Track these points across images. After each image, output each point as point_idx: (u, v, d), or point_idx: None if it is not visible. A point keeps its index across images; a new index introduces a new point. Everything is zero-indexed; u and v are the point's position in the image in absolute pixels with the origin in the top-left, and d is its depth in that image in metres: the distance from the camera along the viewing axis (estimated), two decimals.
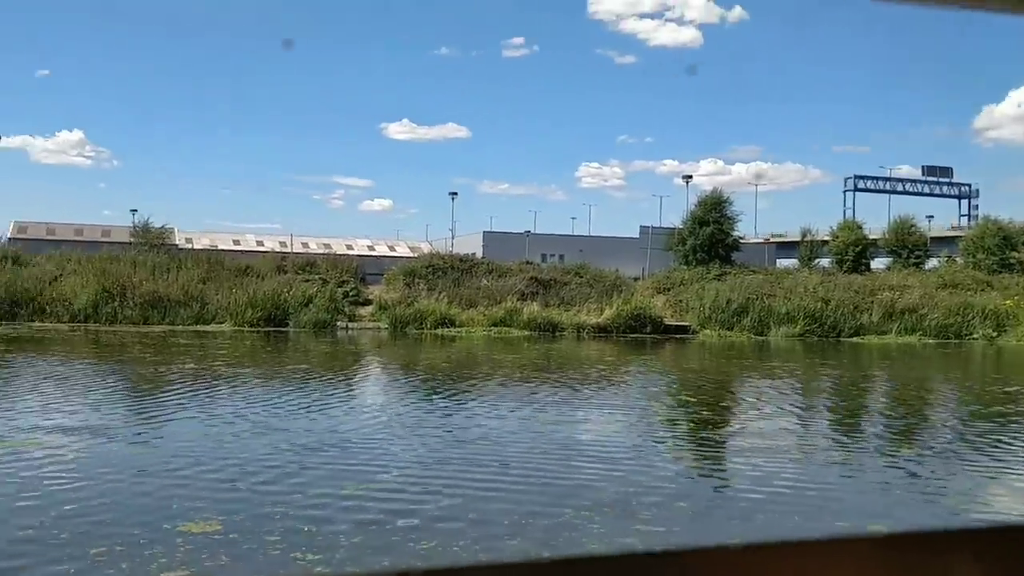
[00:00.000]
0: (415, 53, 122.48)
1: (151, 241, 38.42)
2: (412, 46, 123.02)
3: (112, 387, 15.18)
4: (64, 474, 8.01)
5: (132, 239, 39.92)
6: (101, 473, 8.16)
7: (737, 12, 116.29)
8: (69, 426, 10.47)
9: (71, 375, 16.37)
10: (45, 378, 15.63)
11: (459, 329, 30.97)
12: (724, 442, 11.51)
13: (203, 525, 6.43)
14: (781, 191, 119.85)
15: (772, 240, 72.74)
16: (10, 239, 43.97)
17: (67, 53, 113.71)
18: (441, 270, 35.52)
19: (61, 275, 31.03)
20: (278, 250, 44.54)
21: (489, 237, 65.54)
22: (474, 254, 43.90)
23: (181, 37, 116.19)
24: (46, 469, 8.19)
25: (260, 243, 55.30)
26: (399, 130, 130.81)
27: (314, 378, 17.21)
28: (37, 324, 28.09)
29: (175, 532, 6.25)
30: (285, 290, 31.45)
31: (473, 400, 14.49)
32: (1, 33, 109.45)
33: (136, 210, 47.49)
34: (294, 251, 44.00)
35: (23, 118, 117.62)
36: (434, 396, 15.11)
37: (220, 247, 46.91)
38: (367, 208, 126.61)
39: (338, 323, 31.19)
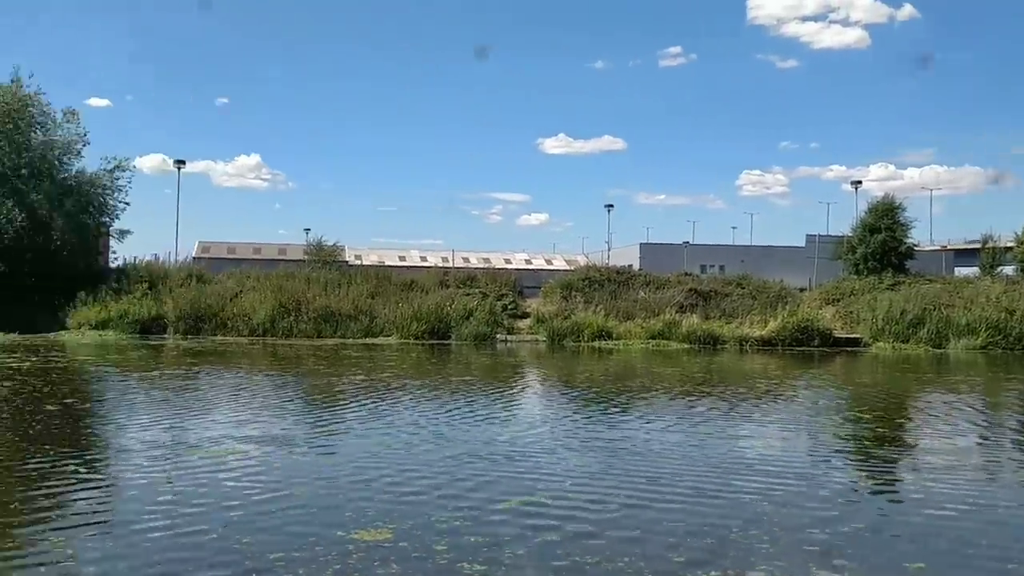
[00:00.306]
0: (571, 67, 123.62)
1: (324, 258, 40.27)
2: (568, 60, 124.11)
3: (295, 398, 15.98)
4: (253, 482, 8.45)
5: (306, 256, 42.02)
6: (286, 481, 8.56)
7: (907, 11, 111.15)
8: (259, 436, 11.07)
9: (257, 387, 17.31)
10: (237, 390, 16.62)
11: (616, 342, 30.80)
12: (903, 460, 10.89)
13: (375, 533, 6.64)
14: (958, 195, 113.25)
15: (949, 247, 68.79)
16: (195, 258, 47.17)
17: (243, 81, 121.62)
18: (598, 283, 35.44)
19: (241, 292, 32.93)
20: (440, 265, 45.78)
21: (646, 249, 65.12)
22: (631, 266, 43.63)
23: (347, 62, 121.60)
24: (238, 477, 8.68)
25: (424, 259, 57.10)
26: (555, 145, 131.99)
27: (480, 390, 17.50)
28: (219, 338, 29.94)
29: (349, 539, 6.48)
30: (447, 304, 32.23)
31: (642, 413, 14.35)
32: (185, 65, 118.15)
33: (309, 229, 50.20)
34: (455, 266, 45.15)
35: (205, 144, 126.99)
36: (603, 408, 15.04)
37: (387, 263, 48.78)
38: (524, 222, 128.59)
39: (497, 336, 31.65)
